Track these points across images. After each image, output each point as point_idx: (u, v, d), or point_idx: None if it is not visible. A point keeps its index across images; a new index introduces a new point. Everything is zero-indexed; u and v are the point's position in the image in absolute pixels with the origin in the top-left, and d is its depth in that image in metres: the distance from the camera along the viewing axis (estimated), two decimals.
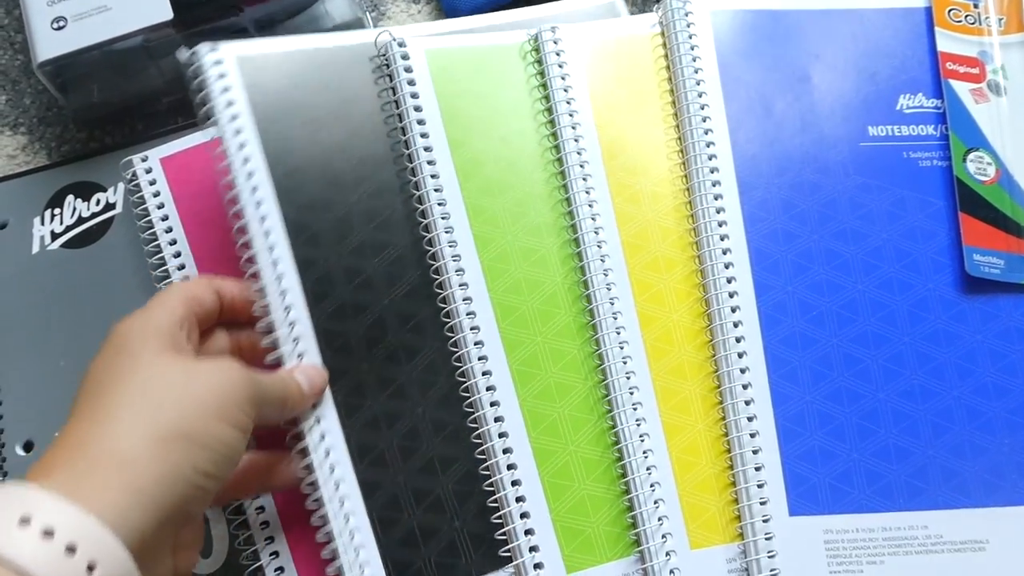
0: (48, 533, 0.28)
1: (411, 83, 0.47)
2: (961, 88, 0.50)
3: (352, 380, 0.43)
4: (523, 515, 0.42)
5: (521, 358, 0.45)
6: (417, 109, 0.47)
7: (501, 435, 0.43)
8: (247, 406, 0.35)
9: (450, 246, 0.45)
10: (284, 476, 0.41)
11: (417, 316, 0.44)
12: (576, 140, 0.48)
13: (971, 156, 0.48)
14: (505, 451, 0.43)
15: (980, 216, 0.47)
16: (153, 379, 0.34)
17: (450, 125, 0.47)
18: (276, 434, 0.42)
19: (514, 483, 0.43)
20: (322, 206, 0.45)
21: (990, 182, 0.48)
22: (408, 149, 0.47)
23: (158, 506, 0.31)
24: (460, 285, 0.45)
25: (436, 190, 0.46)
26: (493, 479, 0.43)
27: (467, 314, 0.45)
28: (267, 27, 0.51)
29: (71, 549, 0.28)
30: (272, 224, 0.43)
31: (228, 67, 0.45)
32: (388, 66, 0.48)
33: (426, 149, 0.46)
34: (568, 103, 0.48)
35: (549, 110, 0.49)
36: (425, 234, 0.46)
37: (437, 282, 0.45)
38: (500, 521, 0.42)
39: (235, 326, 0.43)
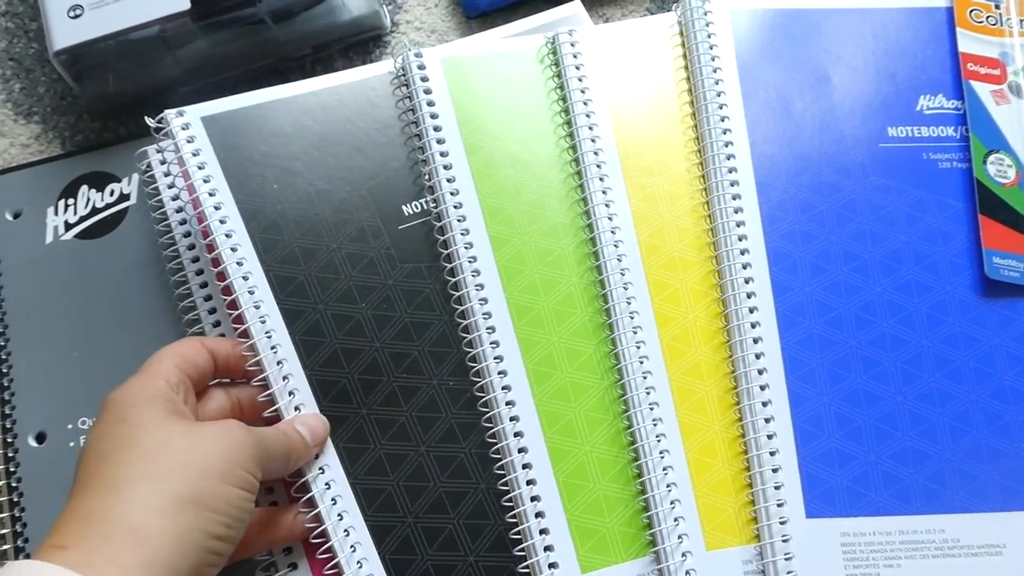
0: None
1: (427, 91, 0.48)
2: (982, 89, 0.49)
3: (352, 426, 0.43)
4: (538, 514, 0.42)
5: (537, 358, 0.44)
6: (433, 116, 0.47)
7: (516, 434, 0.43)
8: (252, 465, 0.36)
9: (466, 247, 0.45)
10: (293, 529, 0.41)
11: (411, 355, 0.44)
12: (593, 140, 0.48)
13: (991, 158, 0.48)
14: (520, 450, 0.43)
15: (1000, 219, 0.47)
16: (156, 446, 0.34)
17: (466, 129, 0.48)
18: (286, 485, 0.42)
19: (529, 482, 0.42)
20: (304, 256, 0.45)
21: (1010, 184, 0.47)
22: (424, 154, 0.47)
23: (175, 573, 0.31)
24: (476, 286, 0.45)
25: (452, 193, 0.46)
26: (507, 478, 0.42)
27: (483, 314, 0.44)
28: (284, 18, 0.50)
29: None
30: (256, 281, 0.44)
31: (196, 130, 0.46)
32: (405, 74, 0.48)
33: (442, 154, 0.47)
34: (585, 104, 0.48)
35: (566, 111, 0.48)
36: (440, 236, 0.46)
37: (452, 283, 0.45)
38: (514, 552, 0.42)
39: (231, 384, 0.42)
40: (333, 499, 0.42)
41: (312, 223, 0.45)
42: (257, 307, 0.43)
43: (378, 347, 0.44)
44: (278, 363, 0.43)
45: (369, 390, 0.43)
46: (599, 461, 0.43)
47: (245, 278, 0.44)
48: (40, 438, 0.46)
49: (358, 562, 0.41)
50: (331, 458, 0.42)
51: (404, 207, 0.47)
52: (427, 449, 0.43)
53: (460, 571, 0.42)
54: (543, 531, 0.42)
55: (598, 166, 0.47)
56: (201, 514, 0.33)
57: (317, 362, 0.43)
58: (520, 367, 0.44)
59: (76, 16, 0.48)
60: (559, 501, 0.42)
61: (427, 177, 0.47)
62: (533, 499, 0.42)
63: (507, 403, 0.43)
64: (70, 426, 0.46)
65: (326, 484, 0.42)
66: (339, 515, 0.41)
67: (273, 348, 0.43)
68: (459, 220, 0.46)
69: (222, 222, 0.44)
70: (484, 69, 0.49)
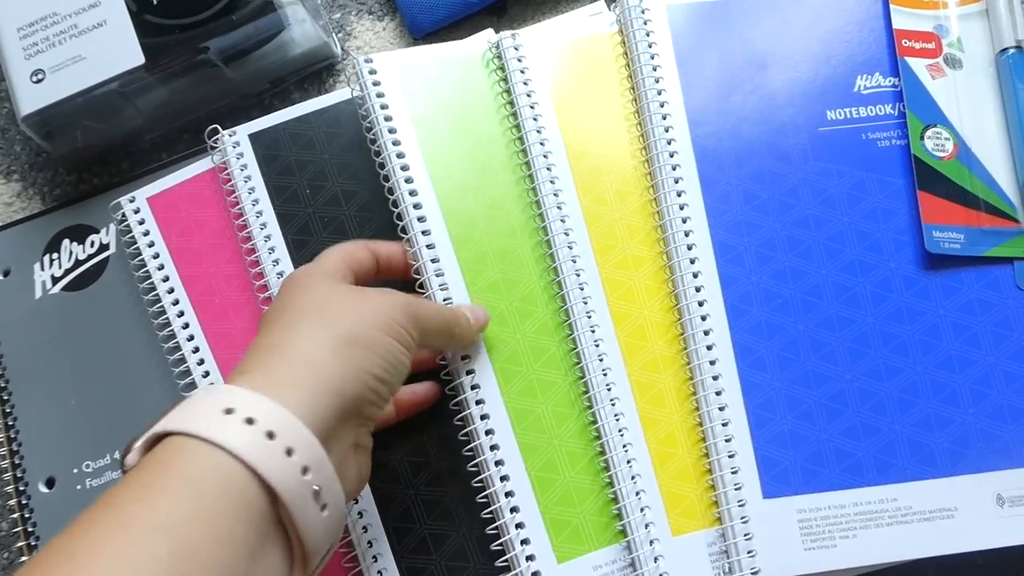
0: (249, 421, 0.32)
1: (380, 94, 0.49)
2: (917, 65, 0.50)
3: None
4: (513, 509, 0.45)
5: (503, 356, 0.47)
6: (388, 119, 0.49)
7: (488, 432, 0.45)
8: (406, 322, 0.39)
9: (428, 248, 0.47)
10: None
11: None
12: (542, 144, 0.49)
13: (929, 133, 0.49)
14: (492, 448, 0.45)
15: (939, 193, 0.48)
16: (328, 299, 0.38)
17: (422, 134, 0.49)
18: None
19: (503, 478, 0.45)
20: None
21: (948, 158, 0.49)
22: (380, 156, 0.49)
23: (340, 400, 0.35)
24: (440, 287, 0.47)
25: (411, 193, 0.48)
26: (482, 476, 0.45)
27: None
28: (236, 58, 0.52)
29: (270, 435, 0.32)
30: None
31: (244, 147, 0.51)
32: (361, 87, 0.50)
33: (399, 156, 0.48)
34: (532, 107, 0.50)
35: (515, 115, 0.50)
36: (404, 235, 0.48)
37: (418, 282, 0.47)
38: (492, 548, 0.45)
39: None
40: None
41: (338, 222, 0.49)
42: None
43: None
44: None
45: None
46: (568, 454, 0.46)
47: (279, 275, 0.49)
48: (50, 483, 0.49)
49: (364, 527, 0.46)
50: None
51: None
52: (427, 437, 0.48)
53: (453, 541, 0.46)
54: (519, 525, 0.45)
55: (548, 168, 0.49)
56: (364, 353, 0.37)
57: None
58: (488, 366, 0.46)
59: (39, 81, 0.50)
60: (532, 495, 0.45)
61: (384, 179, 0.49)
62: (508, 495, 0.45)
63: (477, 402, 0.46)
64: (76, 470, 0.49)
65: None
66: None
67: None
68: (420, 220, 0.47)
69: (263, 227, 0.50)
70: (437, 75, 0.51)
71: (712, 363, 0.46)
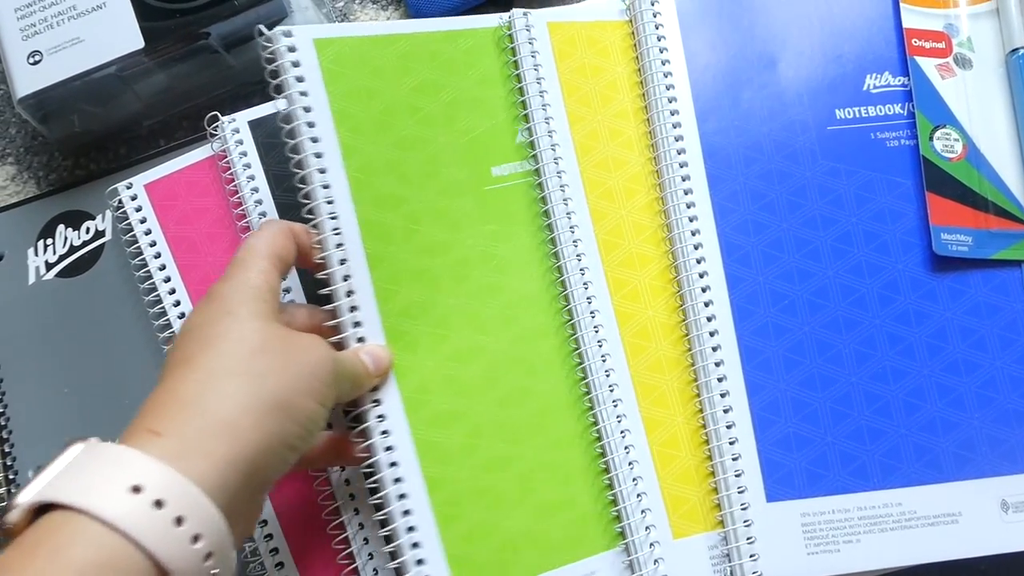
0: (158, 504, 0.29)
1: (299, 78, 0.43)
2: (927, 64, 0.50)
3: None
4: (415, 545, 0.41)
5: (412, 385, 0.44)
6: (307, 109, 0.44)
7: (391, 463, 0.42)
8: (331, 382, 0.36)
9: (342, 263, 0.42)
10: (353, 456, 0.42)
11: None
12: (551, 135, 0.48)
13: (938, 134, 0.49)
14: (396, 480, 0.41)
15: (947, 194, 0.48)
16: (257, 347, 0.34)
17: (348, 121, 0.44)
18: None
19: (405, 512, 0.41)
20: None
21: (957, 159, 0.48)
22: (302, 170, 0.43)
23: (251, 474, 0.32)
24: (351, 309, 0.42)
25: (330, 207, 0.43)
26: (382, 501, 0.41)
27: None
28: (237, 45, 0.51)
29: (179, 520, 0.30)
30: None
31: (244, 136, 0.49)
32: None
33: (316, 156, 0.43)
34: (542, 95, 0.48)
35: (520, 104, 0.48)
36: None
37: (329, 304, 0.42)
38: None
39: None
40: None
41: None
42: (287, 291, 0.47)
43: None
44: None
45: None
46: (477, 489, 0.43)
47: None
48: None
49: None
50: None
51: None
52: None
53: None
54: (419, 561, 0.41)
55: (556, 161, 0.47)
56: (284, 422, 0.34)
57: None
58: (396, 395, 0.43)
59: (36, 62, 0.49)
60: (436, 530, 0.42)
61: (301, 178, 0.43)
62: (409, 529, 0.41)
63: (382, 432, 0.42)
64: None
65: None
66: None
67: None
68: (335, 232, 0.42)
69: (262, 216, 0.48)
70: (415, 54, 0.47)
71: (717, 364, 0.46)
